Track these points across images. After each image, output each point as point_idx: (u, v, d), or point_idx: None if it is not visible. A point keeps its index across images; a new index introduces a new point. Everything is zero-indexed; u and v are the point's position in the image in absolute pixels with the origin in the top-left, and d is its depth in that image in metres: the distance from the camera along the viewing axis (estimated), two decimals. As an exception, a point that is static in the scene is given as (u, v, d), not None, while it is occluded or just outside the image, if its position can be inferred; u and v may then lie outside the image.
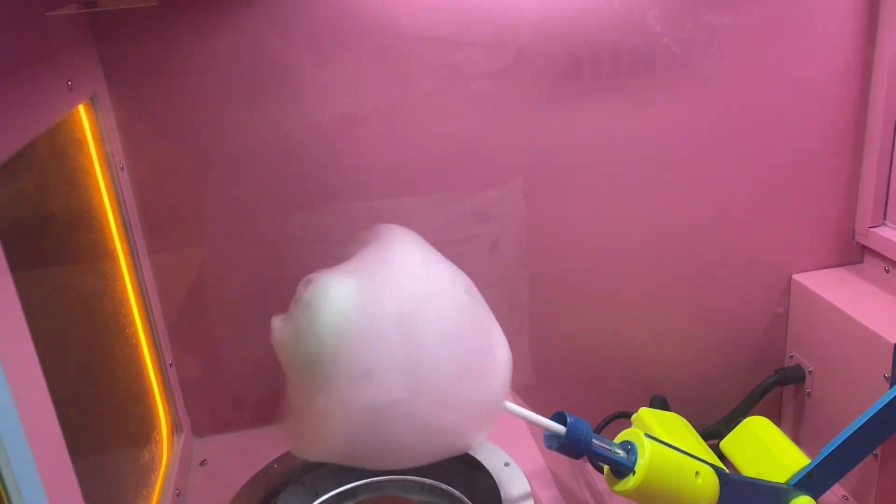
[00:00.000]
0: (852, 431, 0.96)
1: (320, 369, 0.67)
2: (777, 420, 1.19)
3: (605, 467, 0.88)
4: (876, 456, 1.01)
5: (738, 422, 1.12)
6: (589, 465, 1.16)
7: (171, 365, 0.99)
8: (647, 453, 0.84)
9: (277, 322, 0.71)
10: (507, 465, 0.89)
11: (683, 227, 1.11)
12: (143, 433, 0.91)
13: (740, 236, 1.13)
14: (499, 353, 0.75)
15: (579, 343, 1.15)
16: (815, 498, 0.95)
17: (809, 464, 0.96)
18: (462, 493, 0.92)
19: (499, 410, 0.74)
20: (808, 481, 0.96)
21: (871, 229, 1.10)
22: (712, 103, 1.06)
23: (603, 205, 1.08)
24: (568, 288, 1.12)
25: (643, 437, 0.86)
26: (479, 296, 0.75)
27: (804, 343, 1.14)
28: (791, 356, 1.17)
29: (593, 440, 0.84)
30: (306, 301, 0.69)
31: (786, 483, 0.96)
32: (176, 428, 1.00)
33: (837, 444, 0.96)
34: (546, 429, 0.83)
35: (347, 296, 0.68)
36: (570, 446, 0.82)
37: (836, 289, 1.09)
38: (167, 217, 0.96)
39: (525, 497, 0.85)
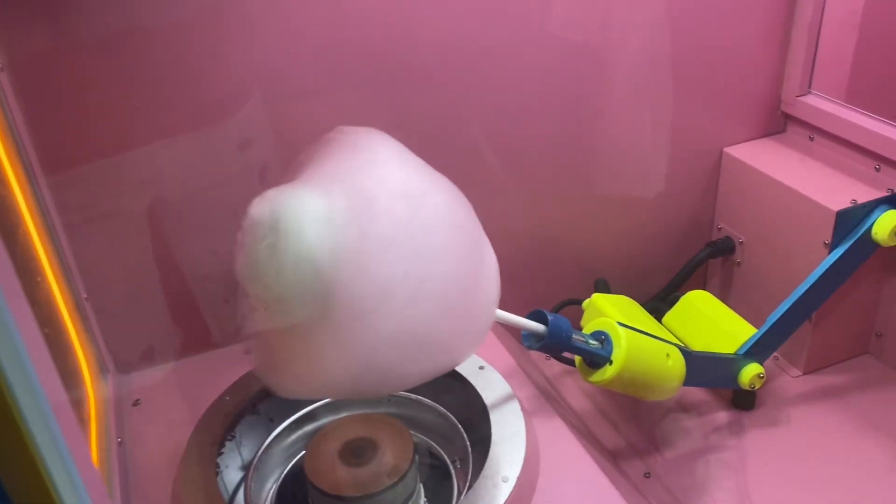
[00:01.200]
0: (797, 298, 1.00)
1: (303, 306, 0.59)
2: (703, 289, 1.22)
3: (577, 359, 0.88)
4: (811, 319, 1.06)
5: (674, 296, 1.15)
6: (534, 355, 1.16)
7: (86, 299, 0.87)
8: (624, 342, 0.83)
9: (244, 252, 0.61)
10: (481, 368, 0.86)
11: (612, 105, 1.07)
12: (62, 379, 0.79)
13: (671, 112, 1.11)
14: (489, 260, 0.69)
15: (511, 234, 1.11)
16: (762, 363, 1.00)
17: (757, 333, 1.00)
18: (433, 400, 0.88)
19: (491, 320, 0.70)
20: (755, 349, 1.00)
21: (797, 98, 1.11)
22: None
23: (528, 85, 1.02)
24: (495, 178, 1.07)
25: (616, 326, 0.85)
26: (465, 200, 0.68)
27: (734, 215, 1.16)
28: (719, 228, 1.19)
29: (573, 335, 0.82)
30: (272, 226, 0.59)
31: (735, 353, 1.00)
32: (101, 368, 0.88)
33: (783, 311, 1.00)
34: (527, 329, 0.80)
35: (327, 218, 0.58)
36: (552, 344, 0.80)
37: (768, 160, 1.11)
38: (60, 126, 0.81)
39: (509, 398, 0.82)
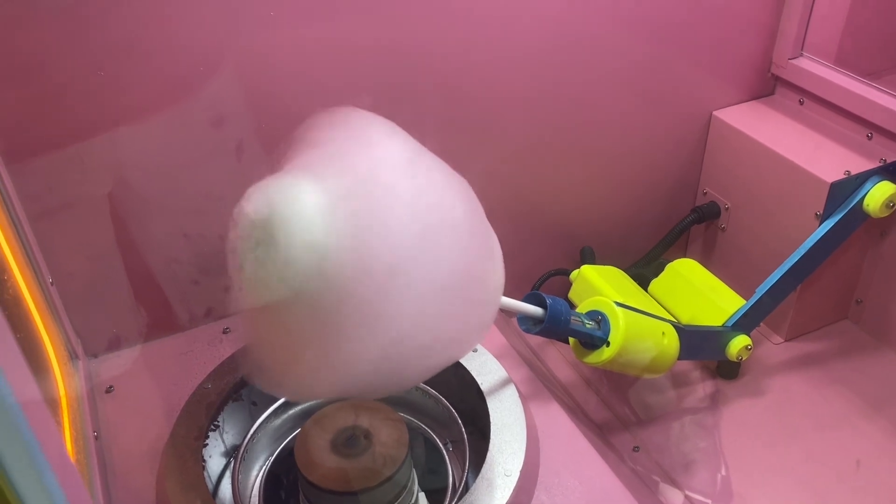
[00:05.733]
0: (787, 269, 0.99)
1: (306, 310, 0.55)
2: (683, 256, 1.22)
3: (572, 340, 0.86)
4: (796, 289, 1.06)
5: (659, 262, 1.14)
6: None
7: (51, 283, 0.81)
8: (622, 324, 0.82)
9: (238, 253, 0.57)
10: (475, 350, 0.84)
11: (597, 65, 1.03)
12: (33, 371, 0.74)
13: (661, 73, 1.08)
14: (493, 243, 0.67)
15: (493, 202, 1.07)
16: (748, 334, 1.00)
17: (746, 304, 0.99)
18: (426, 383, 0.86)
19: (497, 308, 0.67)
20: (743, 320, 0.99)
21: (790, 61, 1.09)
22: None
23: (508, 47, 0.97)
24: (472, 143, 1.02)
25: (614, 306, 0.83)
26: (463, 180, 0.64)
27: (721, 180, 1.15)
28: (705, 193, 1.18)
29: (571, 318, 0.80)
30: (267, 224, 0.55)
31: (723, 325, 1.00)
32: (71, 355, 0.83)
33: (772, 282, 0.99)
34: (525, 314, 0.78)
35: (327, 211, 0.54)
36: (551, 328, 0.78)
37: (758, 125, 1.09)
38: (20, 110, 0.75)
39: (505, 383, 0.81)
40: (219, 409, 0.81)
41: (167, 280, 0.91)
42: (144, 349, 0.90)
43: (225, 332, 0.91)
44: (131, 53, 0.79)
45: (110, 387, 0.85)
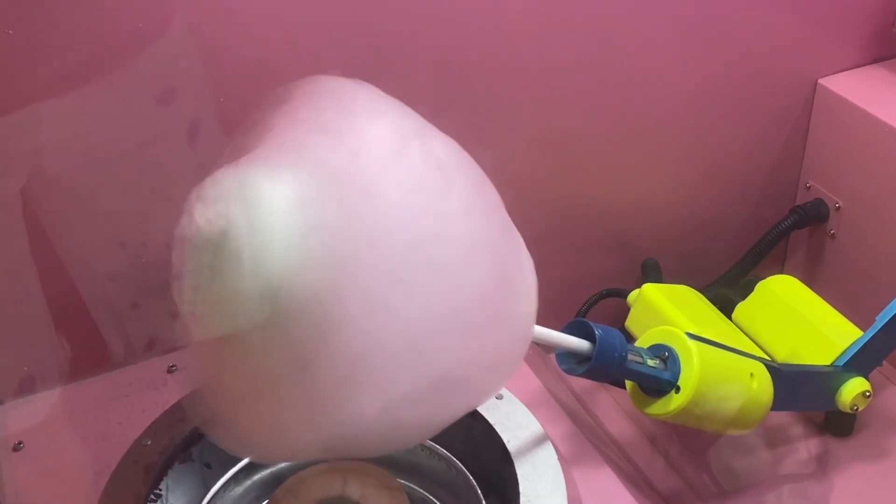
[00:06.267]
0: (919, 290, 0.97)
1: (273, 346, 0.55)
2: (780, 272, 1.20)
3: (630, 383, 0.84)
4: (931, 315, 1.04)
5: (748, 281, 1.15)
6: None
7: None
8: (697, 362, 0.80)
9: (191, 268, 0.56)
10: (499, 398, 0.83)
11: (662, 19, 1.03)
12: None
13: (747, 29, 1.08)
14: (523, 258, 0.66)
15: (526, 199, 1.05)
16: (867, 377, 0.97)
17: (863, 336, 0.98)
18: (433, 440, 0.85)
19: (527, 343, 0.67)
20: (860, 357, 0.97)
21: (920, 12, 1.08)
22: None
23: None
24: (500, 121, 1.02)
25: (685, 339, 0.82)
26: (484, 175, 0.64)
27: (830, 171, 1.15)
28: (808, 187, 1.18)
29: (628, 354, 0.78)
30: (221, 236, 0.54)
31: (833, 364, 0.98)
32: (-34, 402, 0.83)
33: (899, 307, 0.97)
34: (567, 348, 0.76)
35: (304, 221, 0.53)
36: (601, 367, 0.76)
37: (879, 96, 1.08)
38: None
39: (539, 441, 0.79)
40: (161, 473, 0.80)
41: (97, 303, 0.92)
42: (65, 393, 0.91)
43: (171, 370, 0.91)
44: (50, 6, 0.79)
45: (19, 443, 0.85)
